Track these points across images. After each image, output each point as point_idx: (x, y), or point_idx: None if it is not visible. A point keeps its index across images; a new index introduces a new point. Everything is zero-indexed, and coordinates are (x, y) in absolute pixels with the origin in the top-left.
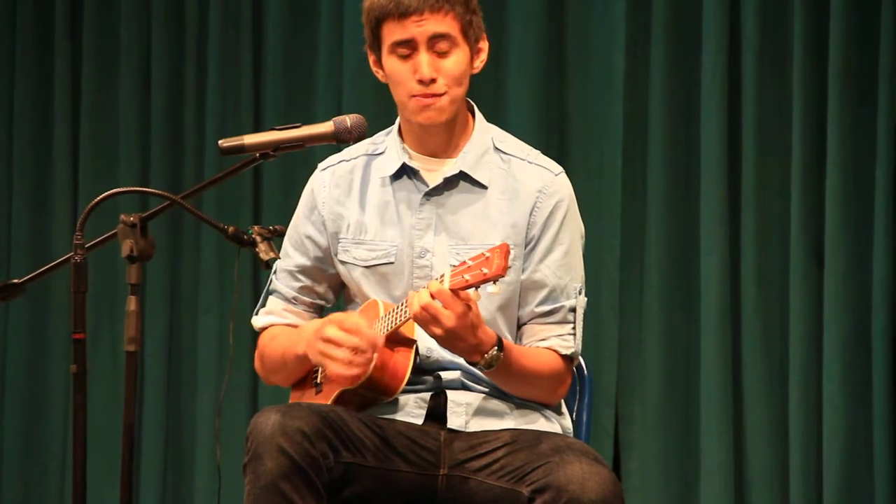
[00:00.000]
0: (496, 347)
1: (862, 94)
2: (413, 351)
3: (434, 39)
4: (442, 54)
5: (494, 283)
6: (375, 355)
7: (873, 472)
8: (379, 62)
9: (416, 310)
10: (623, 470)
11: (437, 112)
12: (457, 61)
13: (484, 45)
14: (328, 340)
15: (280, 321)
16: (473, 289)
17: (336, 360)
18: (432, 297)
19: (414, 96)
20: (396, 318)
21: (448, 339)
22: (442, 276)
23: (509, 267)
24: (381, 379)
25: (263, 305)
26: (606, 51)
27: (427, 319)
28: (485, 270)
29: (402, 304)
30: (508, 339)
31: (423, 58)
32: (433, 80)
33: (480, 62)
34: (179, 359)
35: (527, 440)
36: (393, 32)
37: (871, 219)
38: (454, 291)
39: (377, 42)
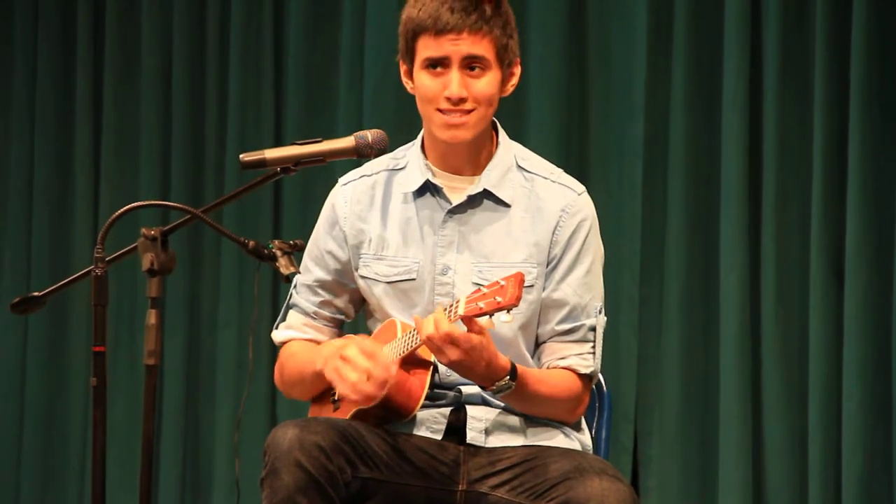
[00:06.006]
0: (508, 377)
1: (883, 110)
2: (430, 373)
3: (468, 60)
4: (474, 75)
5: (508, 311)
6: (390, 381)
7: (893, 490)
8: (410, 74)
9: (424, 339)
10: (642, 486)
11: (462, 130)
12: (488, 83)
13: (517, 69)
14: (345, 359)
15: (300, 336)
16: (487, 317)
17: (346, 381)
18: (433, 335)
19: (440, 111)
20: (412, 341)
21: (456, 368)
22: (457, 302)
23: (528, 285)
24: (396, 400)
25: (283, 320)
26: (627, 67)
27: (433, 349)
28: (498, 299)
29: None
30: (527, 357)
31: (455, 76)
32: (462, 100)
33: (511, 86)
34: (198, 372)
35: (546, 457)
36: (428, 47)
37: (893, 236)
38: (468, 319)
39: (411, 54)
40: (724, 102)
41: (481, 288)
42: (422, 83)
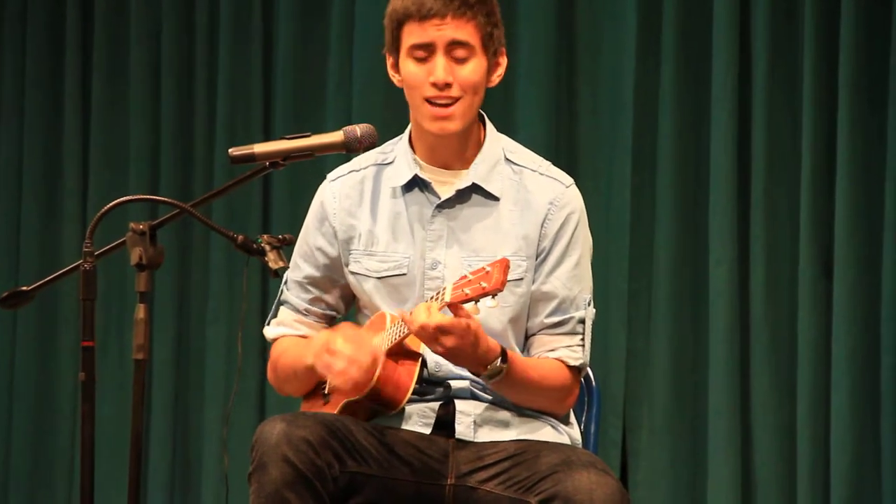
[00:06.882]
0: (500, 359)
1: (872, 104)
2: (418, 364)
3: (452, 45)
4: (459, 61)
5: (493, 297)
6: (379, 368)
7: (881, 483)
8: (396, 66)
9: (415, 329)
10: (630, 481)
11: (450, 122)
12: (473, 69)
13: (503, 59)
14: (332, 352)
15: (291, 332)
16: (472, 302)
17: (334, 372)
18: (426, 324)
19: (427, 101)
20: (399, 332)
21: (449, 357)
22: (444, 289)
23: (518, 278)
24: (384, 391)
25: (275, 316)
26: (616, 60)
27: (426, 338)
28: (484, 284)
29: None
30: (516, 350)
31: (440, 61)
32: (448, 85)
33: (497, 76)
34: (187, 367)
35: (535, 450)
36: (413, 35)
37: (881, 229)
38: (454, 305)
39: (396, 45)
40: (714, 97)
41: (467, 275)
42: (407, 71)
